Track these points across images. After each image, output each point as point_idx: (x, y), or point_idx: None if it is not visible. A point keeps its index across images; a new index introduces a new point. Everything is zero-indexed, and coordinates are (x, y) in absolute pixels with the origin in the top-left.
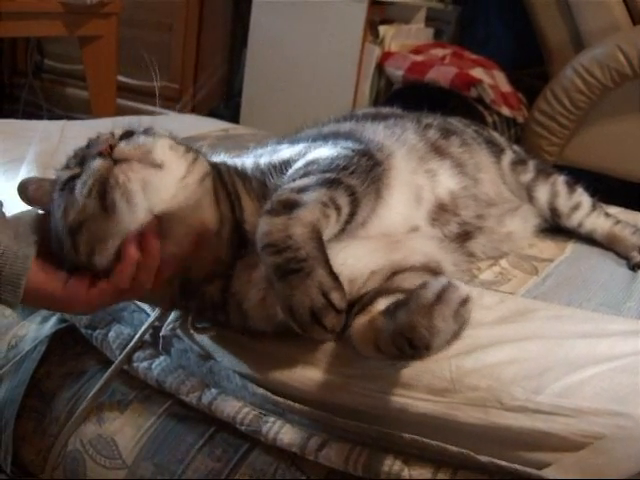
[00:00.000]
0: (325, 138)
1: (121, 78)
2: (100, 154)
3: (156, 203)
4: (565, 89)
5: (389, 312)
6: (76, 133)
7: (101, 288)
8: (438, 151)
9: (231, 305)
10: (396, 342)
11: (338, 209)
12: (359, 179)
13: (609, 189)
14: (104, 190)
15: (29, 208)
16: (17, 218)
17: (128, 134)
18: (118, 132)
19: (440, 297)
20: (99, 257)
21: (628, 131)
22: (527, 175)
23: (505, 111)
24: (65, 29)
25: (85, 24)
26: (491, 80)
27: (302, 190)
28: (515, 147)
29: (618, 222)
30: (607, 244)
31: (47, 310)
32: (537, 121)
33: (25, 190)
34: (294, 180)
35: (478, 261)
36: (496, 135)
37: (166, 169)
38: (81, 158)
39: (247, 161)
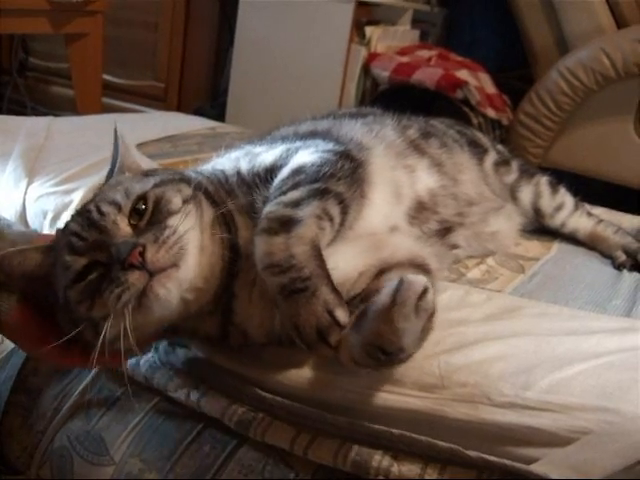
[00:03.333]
0: (303, 137)
1: (107, 77)
2: (132, 265)
3: (188, 289)
4: (549, 91)
5: (355, 325)
6: (62, 129)
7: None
8: (417, 149)
9: (233, 334)
10: (369, 353)
11: (331, 219)
12: (345, 184)
13: (592, 191)
14: (140, 297)
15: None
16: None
17: (140, 211)
18: (127, 205)
19: (395, 298)
20: (119, 341)
21: (612, 133)
22: (511, 176)
23: (490, 113)
24: (51, 27)
25: (71, 22)
26: (476, 82)
27: (295, 204)
28: (500, 147)
29: (600, 222)
30: (590, 243)
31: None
32: (522, 123)
33: (6, 265)
34: (284, 193)
35: (464, 256)
36: (480, 136)
37: (190, 251)
38: (93, 245)
39: (227, 169)
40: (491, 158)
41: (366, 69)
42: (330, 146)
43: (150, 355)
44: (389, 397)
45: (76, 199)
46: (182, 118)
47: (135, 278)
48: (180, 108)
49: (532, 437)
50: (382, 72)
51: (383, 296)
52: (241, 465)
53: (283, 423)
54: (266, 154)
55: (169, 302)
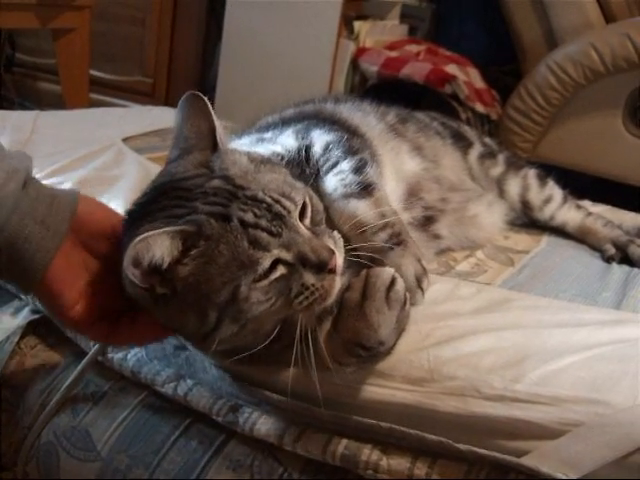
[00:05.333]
0: (300, 120)
1: (94, 72)
2: (331, 271)
3: None
4: (538, 86)
5: (333, 325)
6: (48, 124)
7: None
8: (397, 133)
9: None
10: (350, 351)
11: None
12: (370, 156)
13: (581, 186)
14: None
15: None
16: (52, 197)
17: (317, 225)
18: (300, 203)
19: (365, 292)
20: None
21: (600, 128)
22: (497, 169)
23: (479, 108)
24: (38, 21)
25: (58, 16)
26: (465, 77)
27: (356, 171)
28: (487, 141)
29: (589, 214)
30: (579, 236)
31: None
32: (510, 118)
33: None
34: (335, 164)
35: (448, 246)
36: (466, 129)
37: None
38: (283, 243)
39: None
40: (476, 151)
41: (355, 64)
42: (336, 126)
43: (137, 349)
44: (378, 391)
45: None
46: (170, 112)
47: (328, 282)
48: (168, 103)
49: (522, 430)
50: (371, 67)
51: (353, 292)
52: (229, 460)
53: (271, 417)
54: (282, 137)
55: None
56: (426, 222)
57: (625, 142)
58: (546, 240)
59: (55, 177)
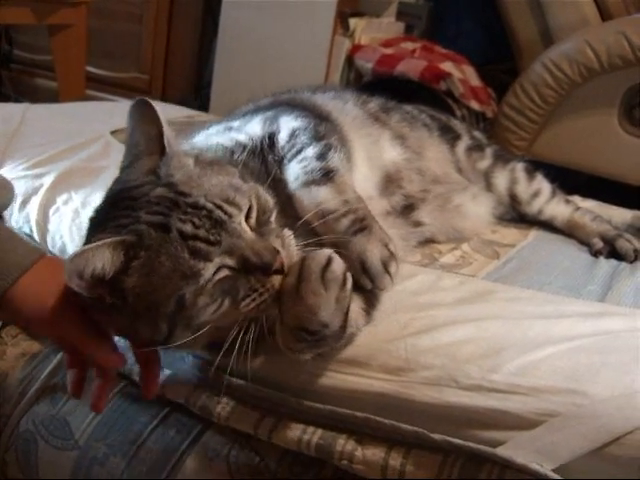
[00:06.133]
0: (272, 108)
1: (91, 69)
2: (278, 272)
3: None
4: (534, 84)
5: (279, 313)
6: (37, 116)
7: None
8: (378, 120)
9: None
10: (297, 337)
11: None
12: (338, 141)
13: (577, 184)
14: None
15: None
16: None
17: (264, 224)
18: (245, 206)
19: (300, 275)
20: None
21: (596, 126)
22: (484, 162)
23: (474, 105)
24: (34, 17)
25: (54, 13)
26: (461, 74)
27: (320, 158)
28: (476, 134)
29: (578, 209)
30: (568, 231)
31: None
32: (506, 116)
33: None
34: (299, 151)
35: (430, 233)
36: (456, 122)
37: None
38: (224, 250)
39: (223, 143)
40: (464, 143)
41: (350, 61)
42: (306, 112)
43: (117, 339)
44: (355, 380)
45: (46, 183)
46: (160, 107)
47: (277, 281)
48: (164, 100)
49: (499, 420)
50: (366, 64)
51: (290, 277)
52: (206, 449)
53: (247, 407)
54: (249, 126)
55: None
56: (406, 210)
57: (621, 140)
58: (534, 234)
59: (40, 168)
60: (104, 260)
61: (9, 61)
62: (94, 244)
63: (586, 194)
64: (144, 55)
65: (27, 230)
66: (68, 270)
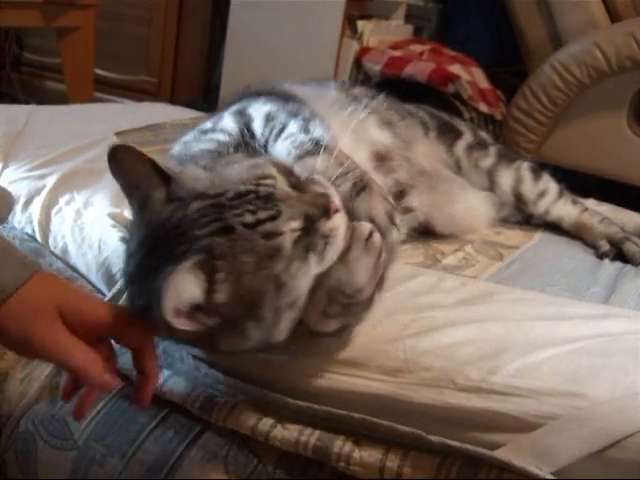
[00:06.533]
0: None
1: (100, 71)
2: (337, 211)
3: None
4: (543, 86)
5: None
6: (42, 118)
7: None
8: (364, 104)
9: None
10: (332, 299)
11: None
12: (310, 114)
13: (587, 187)
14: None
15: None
16: None
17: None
18: (282, 173)
19: (347, 243)
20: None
21: (605, 129)
22: (487, 160)
23: (483, 108)
24: (42, 20)
25: (63, 15)
26: (469, 77)
27: (304, 131)
28: (481, 134)
29: (586, 210)
30: (575, 232)
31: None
32: (515, 118)
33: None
34: (282, 130)
35: (430, 225)
36: (458, 121)
37: None
38: (288, 215)
39: (202, 147)
40: (464, 141)
41: (358, 63)
42: (272, 96)
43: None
44: (353, 381)
45: (49, 184)
46: (167, 108)
47: (340, 219)
48: (173, 103)
49: (498, 422)
50: (374, 66)
51: None
52: (205, 450)
53: (245, 409)
54: (222, 122)
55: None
56: (399, 196)
57: (630, 143)
58: (539, 236)
59: (43, 169)
60: (191, 285)
61: (19, 64)
62: (172, 277)
63: (597, 198)
64: (153, 58)
65: (29, 231)
66: (165, 312)
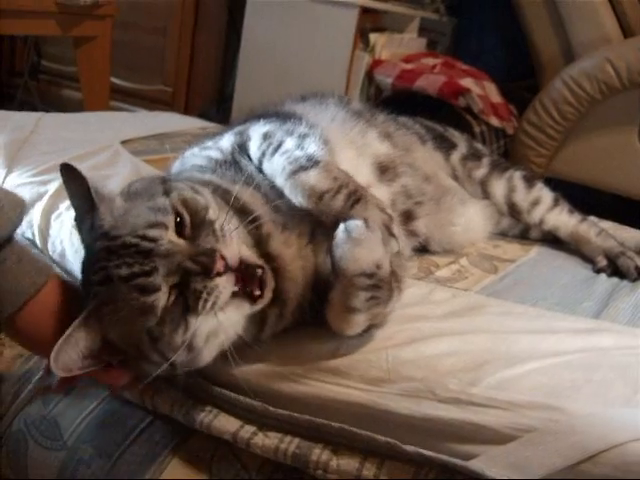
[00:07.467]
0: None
1: (115, 80)
2: (219, 274)
3: None
4: (553, 101)
5: (333, 273)
6: (50, 124)
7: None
8: (362, 118)
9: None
10: (358, 285)
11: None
12: (310, 129)
13: (599, 203)
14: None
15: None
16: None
17: (179, 222)
18: (171, 220)
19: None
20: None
21: (616, 144)
22: (480, 170)
23: (494, 122)
24: (59, 29)
25: (79, 24)
26: (481, 90)
27: (298, 147)
28: (477, 146)
29: (584, 220)
30: (572, 243)
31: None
32: (525, 132)
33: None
34: (277, 148)
35: (428, 246)
36: (454, 133)
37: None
38: (166, 273)
39: (196, 163)
40: (459, 152)
41: (370, 76)
42: (272, 117)
43: None
44: (335, 389)
45: (51, 190)
46: (175, 118)
47: (224, 282)
48: (187, 112)
49: (475, 434)
50: (385, 79)
51: (340, 234)
52: (189, 454)
53: (228, 416)
54: (221, 141)
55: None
56: (406, 218)
57: None
58: (536, 250)
59: (46, 174)
60: (82, 341)
61: (37, 72)
62: (66, 334)
63: (609, 214)
64: (168, 68)
65: (29, 235)
66: (55, 369)
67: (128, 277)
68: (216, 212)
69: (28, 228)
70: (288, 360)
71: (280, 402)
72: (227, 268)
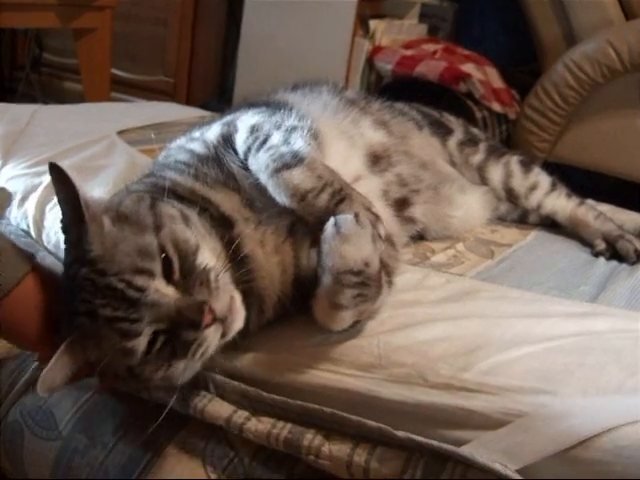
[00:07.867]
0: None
1: (116, 71)
2: (207, 326)
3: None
4: (555, 85)
5: (320, 269)
6: (46, 116)
7: None
8: (356, 106)
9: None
10: (344, 282)
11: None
12: (301, 120)
13: (601, 187)
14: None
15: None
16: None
17: (190, 270)
18: (157, 267)
19: (337, 224)
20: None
21: (618, 127)
22: (477, 156)
23: (496, 107)
24: (59, 21)
25: (79, 16)
26: (482, 76)
27: (285, 143)
28: (474, 131)
29: (582, 204)
30: (571, 227)
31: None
32: (527, 117)
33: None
34: (263, 142)
35: (426, 233)
36: (450, 118)
37: (227, 278)
38: (149, 321)
39: (179, 158)
40: (455, 138)
41: (370, 63)
42: (262, 108)
43: None
44: (327, 376)
45: (45, 181)
46: (174, 107)
47: (213, 332)
48: (189, 103)
49: (466, 419)
50: (386, 65)
51: (329, 228)
52: (183, 442)
53: (222, 401)
54: (208, 132)
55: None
56: (401, 205)
57: None
58: (534, 234)
59: (41, 166)
60: (67, 365)
61: (38, 64)
62: (52, 361)
63: (613, 198)
64: (169, 58)
65: (24, 226)
66: (42, 393)
67: (111, 319)
68: (205, 255)
69: (23, 219)
70: (280, 348)
71: (272, 390)
72: (215, 319)
